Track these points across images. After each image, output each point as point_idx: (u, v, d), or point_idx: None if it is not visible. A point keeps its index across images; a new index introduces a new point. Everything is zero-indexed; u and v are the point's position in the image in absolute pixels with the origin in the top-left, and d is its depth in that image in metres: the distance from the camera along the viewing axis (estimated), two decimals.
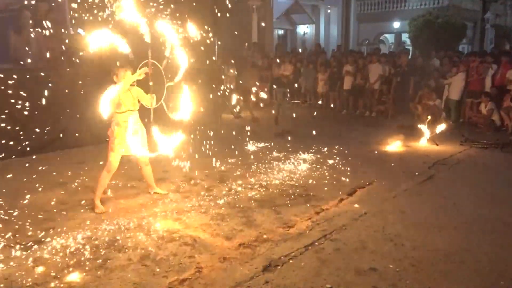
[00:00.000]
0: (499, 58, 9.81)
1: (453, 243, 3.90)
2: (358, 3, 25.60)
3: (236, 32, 16.89)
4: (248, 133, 8.93)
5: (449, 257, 3.62)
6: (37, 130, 6.74)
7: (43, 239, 3.89)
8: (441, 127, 8.26)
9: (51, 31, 8.15)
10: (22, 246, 3.75)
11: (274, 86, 11.43)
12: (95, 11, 6.33)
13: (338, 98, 12.10)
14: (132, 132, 4.55)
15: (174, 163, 6.20)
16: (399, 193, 5.24)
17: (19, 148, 6.56)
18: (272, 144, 8.09)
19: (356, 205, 4.81)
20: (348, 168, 6.27)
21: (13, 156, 6.48)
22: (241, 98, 10.96)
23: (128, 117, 4.55)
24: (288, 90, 11.72)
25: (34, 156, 6.57)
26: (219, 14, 9.79)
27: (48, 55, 8.02)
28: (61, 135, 6.89)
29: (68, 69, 7.59)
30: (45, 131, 6.83)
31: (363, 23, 25.57)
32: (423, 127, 8.08)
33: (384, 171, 6.18)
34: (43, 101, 6.77)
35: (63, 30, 8.42)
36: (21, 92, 6.68)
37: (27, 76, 6.99)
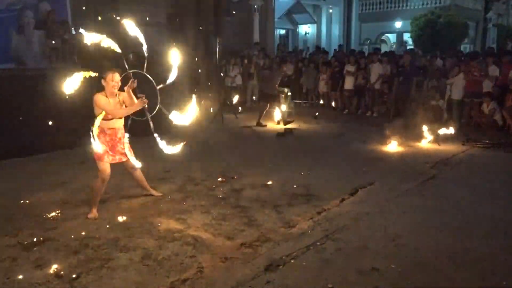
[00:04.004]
0: (501, 58, 9.79)
1: (456, 243, 3.89)
2: (360, 2, 25.58)
3: (237, 32, 16.92)
4: (250, 133, 8.94)
5: (451, 258, 3.61)
6: (37, 130, 6.75)
7: (44, 239, 3.88)
8: (443, 127, 8.24)
9: (53, 31, 8.17)
10: (24, 246, 3.75)
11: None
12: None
13: (339, 98, 12.09)
14: (118, 139, 4.46)
15: (175, 163, 6.20)
16: (401, 193, 5.23)
17: (19, 148, 6.57)
18: (274, 143, 8.09)
19: (358, 205, 4.80)
20: (350, 168, 6.25)
21: (13, 156, 6.48)
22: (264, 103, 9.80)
23: (114, 124, 4.41)
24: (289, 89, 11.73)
25: (32, 156, 6.57)
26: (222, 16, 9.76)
27: (49, 54, 8.04)
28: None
29: (68, 69, 7.60)
30: (46, 130, 6.84)
31: (365, 23, 25.54)
32: (425, 127, 8.07)
33: (385, 171, 6.17)
34: (44, 101, 6.78)
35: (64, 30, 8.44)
36: (22, 92, 6.69)
37: (28, 76, 7.00)
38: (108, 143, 4.41)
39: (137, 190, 5.16)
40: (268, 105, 9.63)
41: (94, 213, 4.43)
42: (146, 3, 11.03)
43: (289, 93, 10.24)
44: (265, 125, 9.59)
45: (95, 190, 4.48)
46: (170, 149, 4.51)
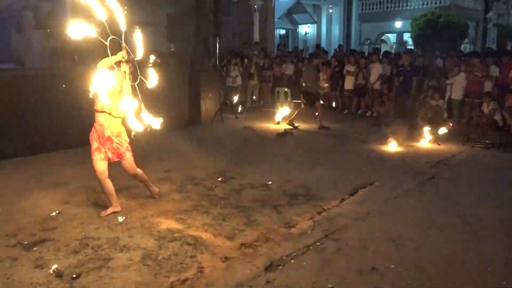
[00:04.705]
0: (501, 58, 9.79)
1: (455, 243, 3.89)
2: (360, 2, 25.59)
3: (237, 32, 16.92)
4: (250, 133, 8.94)
5: (451, 257, 3.61)
6: (38, 129, 6.76)
7: (44, 239, 3.88)
8: (443, 127, 8.24)
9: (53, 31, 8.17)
10: (24, 246, 3.75)
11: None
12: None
13: (339, 98, 12.09)
14: (106, 138, 4.22)
15: (175, 163, 6.21)
16: (401, 193, 5.23)
17: (19, 148, 6.57)
18: (274, 143, 8.08)
19: (358, 205, 4.80)
20: (350, 168, 6.25)
21: (14, 156, 6.48)
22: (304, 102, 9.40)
23: (103, 120, 4.18)
24: (289, 89, 11.74)
25: (33, 156, 6.57)
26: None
27: (49, 54, 8.04)
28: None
29: (68, 68, 7.61)
30: (46, 130, 6.84)
31: (365, 23, 25.55)
32: (425, 127, 8.07)
33: (385, 171, 6.17)
34: (43, 101, 6.79)
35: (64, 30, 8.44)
36: (22, 92, 6.69)
37: (28, 76, 7.00)
38: (97, 140, 4.24)
39: (137, 190, 5.16)
40: (316, 104, 9.33)
41: (107, 212, 4.38)
42: (146, 3, 11.05)
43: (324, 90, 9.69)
44: (297, 126, 9.28)
45: (103, 190, 4.41)
46: (154, 122, 4.15)
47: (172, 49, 12.08)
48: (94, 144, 4.28)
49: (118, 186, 5.17)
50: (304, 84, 9.44)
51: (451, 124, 8.54)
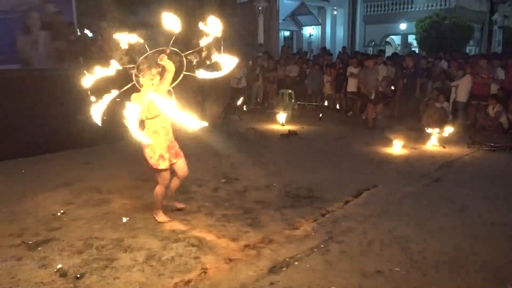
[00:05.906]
0: (507, 61, 9.74)
1: (460, 246, 3.87)
2: (364, 4, 25.55)
3: (242, 34, 16.90)
4: (254, 134, 8.94)
5: (455, 260, 3.60)
6: (42, 130, 6.79)
7: (49, 239, 3.90)
8: (448, 129, 8.21)
9: (59, 32, 8.21)
10: (28, 246, 3.77)
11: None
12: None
13: (344, 99, 12.06)
14: (172, 139, 4.18)
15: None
16: (405, 196, 5.21)
17: (24, 148, 6.60)
18: (278, 145, 8.08)
19: (362, 207, 4.79)
20: (354, 170, 6.24)
21: (18, 156, 6.52)
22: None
23: (165, 122, 4.05)
24: (293, 91, 11.73)
25: (37, 157, 6.60)
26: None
27: (54, 56, 8.08)
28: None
29: (73, 69, 7.64)
30: (50, 131, 6.87)
31: (370, 25, 25.51)
32: (429, 129, 8.05)
33: (390, 173, 6.15)
34: (49, 102, 6.82)
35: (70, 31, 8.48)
36: (28, 92, 6.73)
37: (34, 77, 7.05)
38: (163, 144, 4.10)
39: (141, 191, 5.17)
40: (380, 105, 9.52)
41: (162, 215, 4.28)
42: (150, 3, 11.07)
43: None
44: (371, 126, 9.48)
45: (158, 197, 4.26)
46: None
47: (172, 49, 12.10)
48: (157, 152, 4.06)
49: (123, 186, 5.19)
50: (361, 86, 9.80)
51: (457, 128, 8.50)
